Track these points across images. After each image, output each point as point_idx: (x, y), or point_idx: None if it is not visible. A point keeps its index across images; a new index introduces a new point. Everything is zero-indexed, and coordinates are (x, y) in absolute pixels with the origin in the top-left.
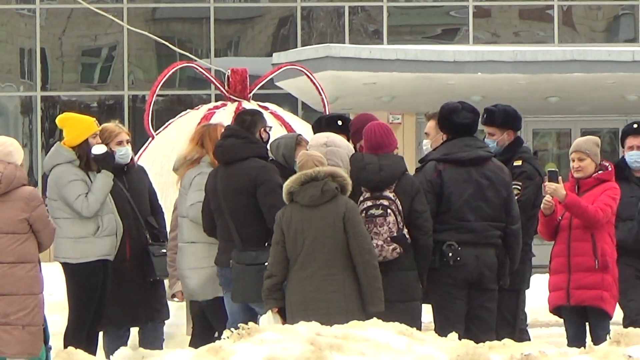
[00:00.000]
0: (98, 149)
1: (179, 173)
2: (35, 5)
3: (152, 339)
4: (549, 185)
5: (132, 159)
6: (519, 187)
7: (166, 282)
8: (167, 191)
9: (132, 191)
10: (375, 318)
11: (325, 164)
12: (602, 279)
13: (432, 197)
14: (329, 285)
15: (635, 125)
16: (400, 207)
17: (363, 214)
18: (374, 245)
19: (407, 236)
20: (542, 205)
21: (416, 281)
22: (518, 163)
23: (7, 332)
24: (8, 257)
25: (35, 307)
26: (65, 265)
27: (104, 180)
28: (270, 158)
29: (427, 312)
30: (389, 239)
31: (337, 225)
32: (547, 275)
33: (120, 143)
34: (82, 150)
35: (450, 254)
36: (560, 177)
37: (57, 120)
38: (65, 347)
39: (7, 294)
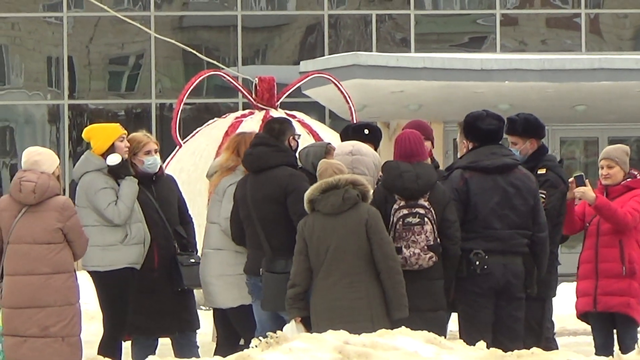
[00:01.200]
0: (112, 159)
1: (213, 180)
2: (62, 14)
3: (186, 349)
4: (577, 189)
5: (160, 168)
6: (544, 196)
7: (196, 291)
8: (194, 200)
9: (161, 200)
10: (403, 327)
11: (345, 172)
12: (629, 285)
13: (459, 206)
14: (354, 292)
15: None
16: (434, 216)
17: (400, 222)
18: (411, 253)
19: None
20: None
21: (443, 290)
22: (542, 171)
23: (47, 344)
24: (44, 267)
25: (74, 317)
26: (94, 274)
27: (129, 186)
28: (300, 166)
29: (453, 320)
30: (425, 247)
31: (359, 232)
32: (574, 283)
33: (148, 152)
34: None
35: (478, 263)
36: (587, 180)
37: (83, 134)
38: (102, 355)
39: (44, 306)
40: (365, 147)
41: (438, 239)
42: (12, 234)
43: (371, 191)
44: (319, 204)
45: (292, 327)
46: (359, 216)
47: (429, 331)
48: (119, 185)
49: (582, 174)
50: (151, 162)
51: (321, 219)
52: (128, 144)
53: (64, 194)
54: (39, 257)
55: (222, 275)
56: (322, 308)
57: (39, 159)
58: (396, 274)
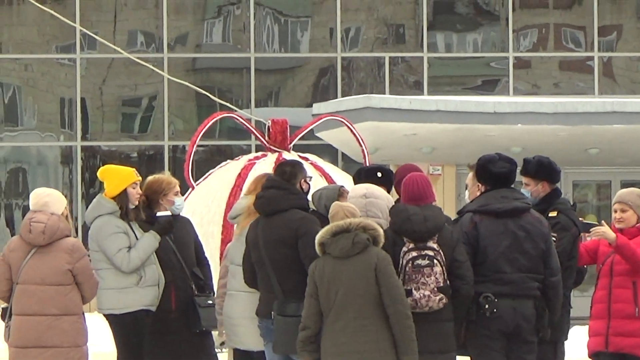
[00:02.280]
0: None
1: (240, 222)
2: (75, 55)
3: None
4: (596, 229)
5: None
6: (555, 239)
7: (214, 333)
8: (207, 242)
9: (178, 242)
10: None
11: (357, 215)
12: None
13: (469, 249)
14: (363, 336)
15: None
16: (444, 258)
17: (410, 264)
18: (422, 295)
19: None
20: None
21: (453, 332)
22: (553, 214)
23: None
24: (52, 309)
25: (80, 359)
26: (110, 317)
27: (151, 241)
28: (312, 209)
29: None
30: (435, 289)
31: (368, 276)
32: (586, 326)
33: (176, 194)
34: (122, 200)
35: (487, 306)
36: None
37: (98, 174)
38: None
39: (51, 347)
40: (378, 190)
41: (448, 281)
42: (21, 274)
43: (382, 235)
44: (329, 247)
45: None
46: (369, 260)
47: None
48: (131, 228)
49: (596, 223)
50: (180, 203)
51: (331, 262)
52: (140, 191)
53: (77, 235)
54: (47, 298)
55: (252, 317)
56: (332, 352)
57: (49, 200)
58: (405, 319)
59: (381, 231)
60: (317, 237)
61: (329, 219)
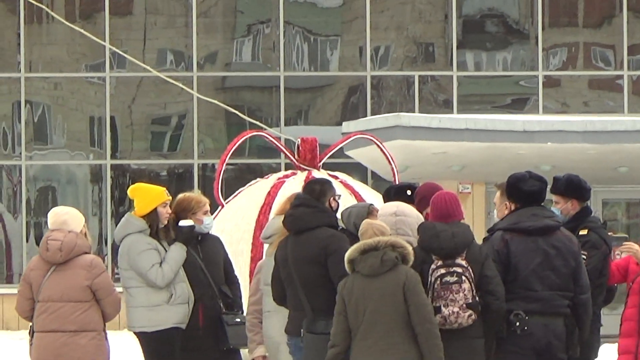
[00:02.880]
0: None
1: (273, 242)
2: (105, 74)
3: None
4: (627, 246)
5: None
6: (585, 257)
7: (243, 351)
8: (236, 260)
9: (207, 260)
10: None
11: (387, 233)
12: None
13: (499, 267)
14: (391, 355)
15: None
16: (472, 274)
17: (438, 281)
18: (450, 312)
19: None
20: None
21: (483, 348)
22: (583, 232)
23: None
24: (70, 325)
25: None
26: (141, 335)
27: (179, 251)
28: (341, 227)
29: None
30: (464, 305)
31: (397, 295)
32: (616, 344)
33: (206, 213)
34: (152, 219)
35: (518, 324)
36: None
37: (128, 192)
38: None
39: None
40: (409, 208)
41: (477, 297)
42: (41, 292)
43: (412, 253)
44: (358, 265)
45: None
46: (397, 279)
47: None
48: (162, 245)
49: (626, 235)
50: (209, 222)
51: (360, 280)
52: (170, 210)
53: (107, 255)
54: (66, 315)
55: None
56: None
57: (67, 218)
58: (434, 338)
59: (410, 249)
60: (347, 255)
61: (359, 237)
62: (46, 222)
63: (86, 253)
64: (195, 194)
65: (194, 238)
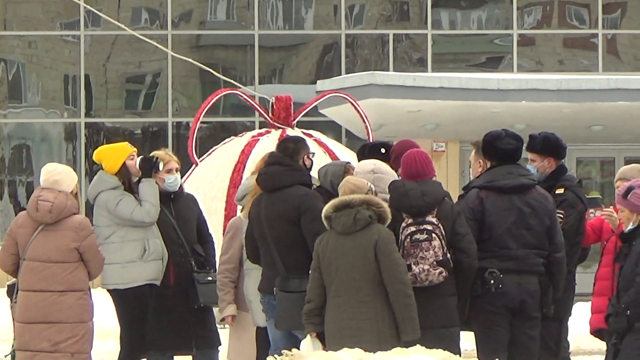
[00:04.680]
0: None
1: (247, 203)
2: (79, 32)
3: None
4: (608, 213)
5: (180, 186)
6: (562, 215)
7: (215, 309)
8: (210, 218)
9: (179, 218)
10: (418, 344)
11: (364, 190)
12: None
13: (474, 225)
14: (362, 313)
15: None
16: (443, 232)
17: (408, 239)
18: (421, 269)
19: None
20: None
21: (456, 306)
22: (560, 191)
23: (55, 359)
24: (58, 285)
25: (85, 335)
26: (114, 292)
27: (149, 186)
28: (315, 185)
29: (469, 339)
30: (435, 263)
31: (368, 254)
32: (589, 303)
33: (169, 171)
34: (124, 175)
35: (492, 282)
36: (602, 205)
37: (94, 157)
38: None
39: (56, 322)
40: (385, 166)
41: (448, 254)
42: (28, 251)
43: (388, 211)
44: (333, 222)
45: (308, 342)
46: (369, 237)
47: (442, 348)
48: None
49: (599, 196)
50: (172, 180)
51: (334, 237)
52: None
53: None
54: (53, 275)
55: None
56: (333, 327)
57: (59, 178)
58: (405, 297)
59: (387, 207)
60: (323, 211)
61: (338, 193)
62: (21, 180)
63: (75, 214)
64: (161, 152)
65: (152, 167)
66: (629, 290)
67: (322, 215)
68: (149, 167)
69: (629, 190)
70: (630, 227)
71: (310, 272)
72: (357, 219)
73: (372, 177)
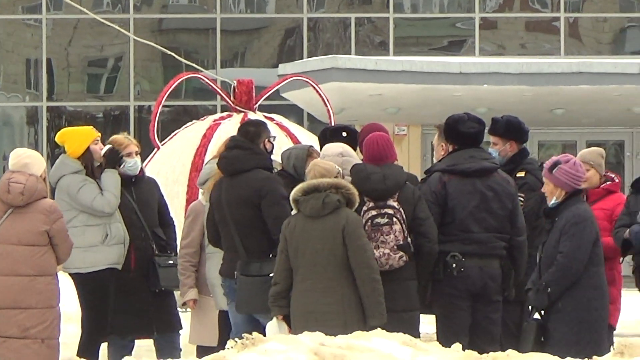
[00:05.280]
0: (105, 149)
1: (208, 187)
2: (41, 16)
3: (167, 351)
4: None
5: (141, 170)
6: (522, 199)
7: (176, 292)
8: (172, 202)
9: (140, 202)
10: (378, 328)
11: (332, 173)
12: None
13: (437, 208)
14: (329, 297)
15: None
16: (404, 216)
17: (369, 223)
18: (381, 253)
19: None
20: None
21: (416, 290)
22: (521, 174)
23: (26, 346)
24: (28, 269)
25: (54, 320)
26: (76, 276)
27: (111, 176)
28: (277, 169)
29: (430, 323)
30: (395, 247)
31: (336, 238)
32: None
33: (129, 155)
34: (87, 159)
35: (454, 265)
36: None
37: (56, 138)
38: (81, 357)
39: (26, 308)
40: (351, 150)
41: (409, 239)
42: None
43: (356, 195)
44: (301, 205)
45: (274, 325)
46: (337, 222)
47: (402, 332)
48: (98, 185)
49: None
50: (132, 164)
51: (302, 221)
52: (102, 146)
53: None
54: (23, 259)
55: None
56: (299, 311)
57: (29, 162)
58: (372, 282)
59: (355, 191)
60: (292, 194)
61: (306, 176)
62: None
63: (44, 197)
64: (120, 136)
65: (117, 158)
66: (550, 268)
67: (291, 198)
68: (114, 159)
69: (555, 164)
70: (553, 202)
71: (277, 254)
72: (326, 203)
73: (340, 160)
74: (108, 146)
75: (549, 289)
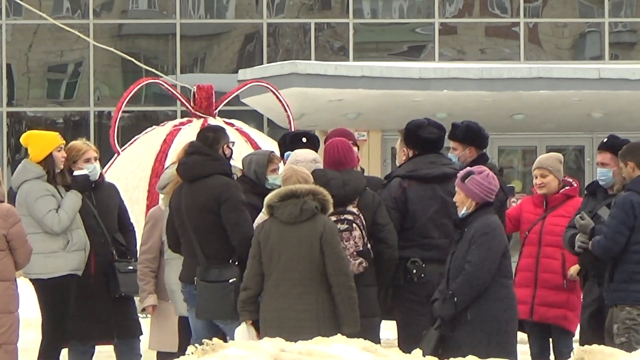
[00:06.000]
0: (80, 172)
1: (168, 192)
2: (1, 21)
3: (128, 356)
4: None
5: (100, 175)
6: None
7: (136, 298)
8: (132, 208)
9: (100, 208)
10: (338, 334)
11: (310, 182)
12: (567, 298)
13: (397, 214)
14: (303, 303)
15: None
16: (364, 222)
17: None
18: None
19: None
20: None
21: (376, 296)
22: None
23: None
24: None
25: (12, 326)
26: (36, 282)
27: (74, 198)
28: (238, 175)
29: (391, 329)
30: (354, 253)
31: (313, 244)
32: None
33: (88, 160)
34: (49, 164)
35: (414, 271)
36: (516, 195)
37: (21, 140)
38: None
39: None
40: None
41: (368, 245)
42: None
43: (331, 202)
44: (277, 211)
45: (243, 330)
46: (315, 228)
47: (363, 338)
48: (58, 192)
49: (513, 186)
50: (91, 169)
51: (278, 227)
52: (65, 154)
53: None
54: None
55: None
56: (271, 316)
57: None
58: (349, 289)
59: (330, 198)
60: (266, 199)
61: (282, 182)
62: None
63: (1, 202)
64: (79, 142)
65: (88, 186)
66: (458, 278)
67: (265, 202)
68: (85, 186)
69: (468, 174)
70: (463, 212)
71: (248, 259)
72: (304, 209)
73: (314, 166)
74: (84, 172)
75: (456, 299)
